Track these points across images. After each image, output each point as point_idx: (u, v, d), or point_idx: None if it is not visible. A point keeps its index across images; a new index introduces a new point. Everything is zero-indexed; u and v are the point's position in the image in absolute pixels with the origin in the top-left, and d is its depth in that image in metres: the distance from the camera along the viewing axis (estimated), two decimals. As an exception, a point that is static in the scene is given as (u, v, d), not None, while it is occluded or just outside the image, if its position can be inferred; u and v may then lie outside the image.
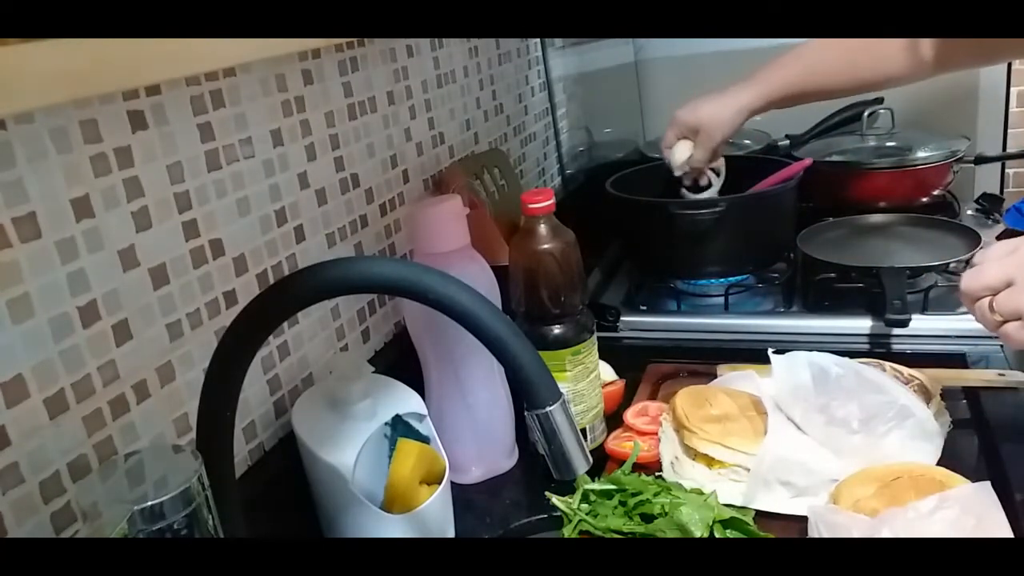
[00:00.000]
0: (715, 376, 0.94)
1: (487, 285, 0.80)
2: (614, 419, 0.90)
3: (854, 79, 1.10)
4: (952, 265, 1.08)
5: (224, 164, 0.71)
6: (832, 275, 1.09)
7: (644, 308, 1.16)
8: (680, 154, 1.17)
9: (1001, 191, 1.46)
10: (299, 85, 0.81)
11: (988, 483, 0.66)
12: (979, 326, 0.96)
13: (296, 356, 0.80)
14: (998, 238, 1.19)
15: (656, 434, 0.85)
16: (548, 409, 0.54)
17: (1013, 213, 1.26)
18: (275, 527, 0.69)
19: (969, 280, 0.67)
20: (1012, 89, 1.49)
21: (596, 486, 0.77)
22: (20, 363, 0.54)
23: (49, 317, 0.55)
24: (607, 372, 0.94)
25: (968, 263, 0.69)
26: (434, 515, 0.71)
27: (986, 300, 0.66)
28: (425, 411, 0.74)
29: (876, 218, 1.23)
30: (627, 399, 0.94)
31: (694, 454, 0.79)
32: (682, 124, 1.16)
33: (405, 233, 0.99)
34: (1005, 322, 0.65)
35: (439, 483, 0.71)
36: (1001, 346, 0.95)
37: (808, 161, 1.17)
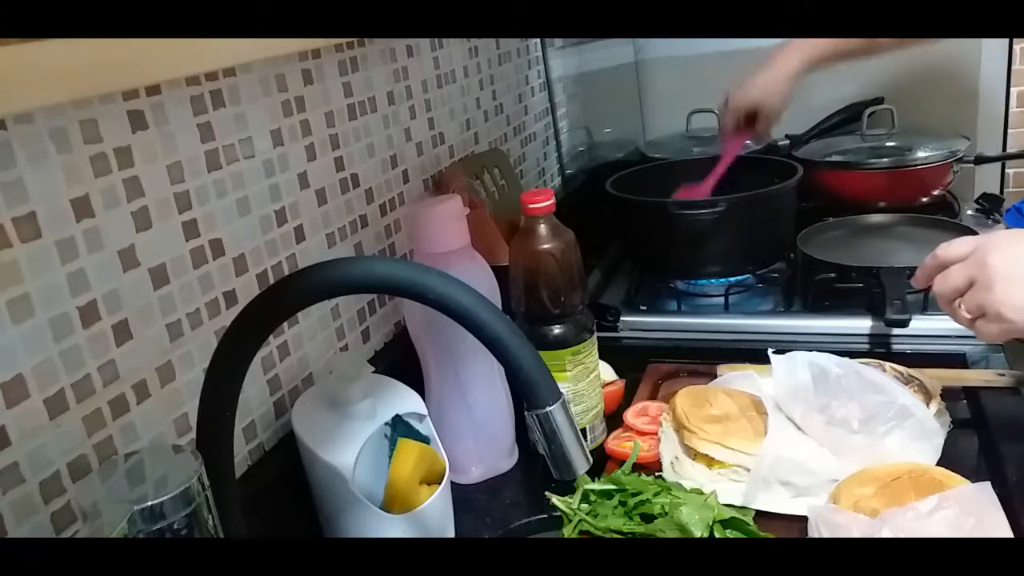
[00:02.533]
0: (715, 376, 0.94)
1: (487, 285, 0.80)
2: (614, 419, 0.90)
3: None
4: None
5: (224, 164, 0.71)
6: (832, 275, 1.09)
7: (644, 308, 1.16)
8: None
9: (1001, 191, 1.46)
10: (299, 85, 0.81)
11: (988, 483, 0.66)
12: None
13: (296, 356, 0.80)
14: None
15: (656, 434, 0.85)
16: (548, 409, 0.54)
17: (1013, 213, 1.26)
18: (275, 527, 0.69)
19: (939, 285, 0.74)
20: (1012, 89, 1.49)
21: (596, 486, 0.77)
22: (20, 363, 0.54)
23: (49, 317, 0.55)
24: (607, 372, 0.94)
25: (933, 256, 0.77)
26: (434, 515, 0.71)
27: (957, 300, 0.72)
28: (425, 411, 0.74)
29: (876, 218, 1.23)
30: (627, 399, 0.94)
31: (694, 454, 0.79)
32: (739, 109, 1.16)
33: (405, 233, 0.99)
34: (976, 319, 0.71)
35: (439, 483, 0.71)
36: (1002, 346, 0.95)
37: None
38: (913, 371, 0.85)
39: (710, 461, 0.78)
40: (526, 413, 0.55)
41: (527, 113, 1.44)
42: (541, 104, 1.51)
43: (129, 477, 0.50)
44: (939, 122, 1.43)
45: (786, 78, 1.13)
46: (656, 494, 0.74)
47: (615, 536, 0.72)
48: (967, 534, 0.63)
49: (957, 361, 0.94)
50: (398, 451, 0.71)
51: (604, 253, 1.31)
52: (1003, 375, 0.87)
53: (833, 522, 0.66)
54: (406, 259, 0.98)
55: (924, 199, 1.33)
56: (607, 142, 1.65)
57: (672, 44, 1.65)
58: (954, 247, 0.74)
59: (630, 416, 0.89)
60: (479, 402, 0.84)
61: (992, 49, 1.45)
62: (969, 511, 0.64)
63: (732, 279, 1.16)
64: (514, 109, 1.38)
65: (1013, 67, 1.48)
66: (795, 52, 1.13)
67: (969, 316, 0.71)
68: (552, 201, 0.80)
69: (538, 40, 1.48)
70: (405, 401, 0.75)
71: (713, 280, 1.17)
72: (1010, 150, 1.50)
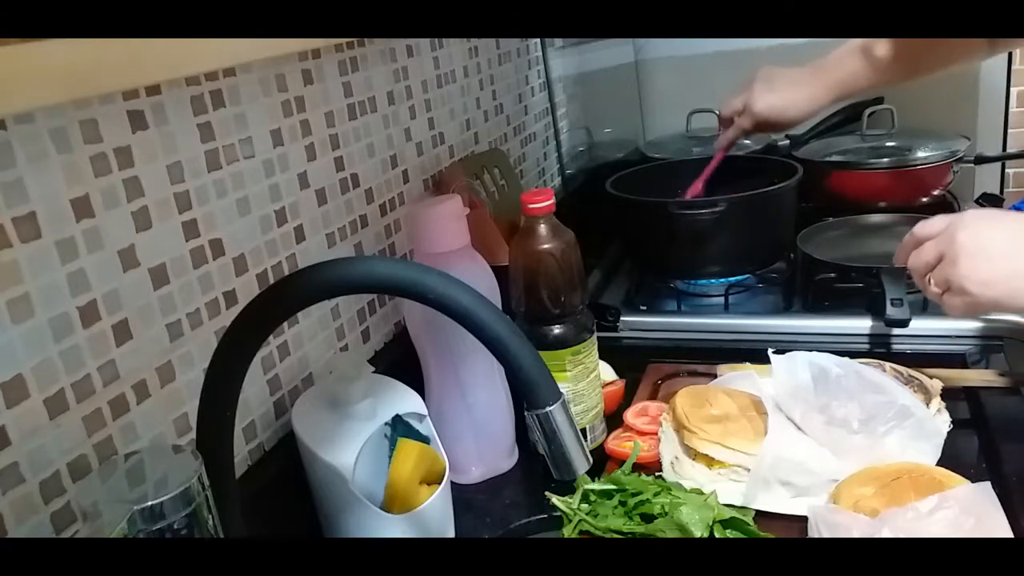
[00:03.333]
0: (715, 376, 0.94)
1: (487, 285, 0.80)
2: (614, 419, 0.90)
3: (930, 68, 1.09)
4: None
5: (224, 164, 0.71)
6: (832, 275, 1.09)
7: (644, 308, 1.16)
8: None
9: (1001, 191, 1.46)
10: (299, 85, 0.81)
11: (988, 483, 0.67)
12: (979, 326, 0.97)
13: (296, 356, 0.80)
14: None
15: (656, 434, 0.85)
16: (548, 409, 0.54)
17: (1013, 213, 1.26)
18: (275, 527, 0.69)
19: (913, 260, 0.78)
20: (1012, 89, 1.50)
21: (596, 486, 0.77)
22: (20, 363, 0.54)
23: (49, 317, 0.55)
24: (607, 372, 0.94)
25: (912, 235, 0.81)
26: (434, 515, 0.71)
27: (928, 275, 0.75)
28: (425, 411, 0.74)
29: (876, 218, 1.23)
30: (627, 399, 0.94)
31: (694, 454, 0.79)
32: (757, 116, 1.13)
33: (405, 233, 0.99)
34: (943, 293, 0.74)
35: (439, 483, 0.71)
36: (1002, 346, 0.95)
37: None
38: (913, 371, 0.85)
39: (710, 461, 0.78)
40: (526, 413, 0.55)
41: (527, 113, 1.44)
42: (541, 104, 1.51)
43: (129, 477, 0.50)
44: (939, 122, 1.43)
45: (816, 107, 1.10)
46: (656, 494, 0.74)
47: (615, 536, 0.72)
48: (967, 534, 0.63)
49: (957, 361, 0.94)
50: (398, 451, 0.72)
51: (604, 253, 1.31)
52: (1003, 375, 0.87)
53: (833, 522, 0.66)
54: (406, 259, 0.98)
55: (924, 199, 1.33)
56: (607, 142, 1.65)
57: (672, 44, 1.65)
58: (929, 224, 0.77)
59: (630, 416, 0.89)
60: (479, 402, 0.84)
61: (992, 49, 1.45)
62: (969, 511, 0.64)
63: (732, 279, 1.16)
64: (514, 109, 1.38)
65: (1013, 67, 1.48)
66: (825, 82, 1.09)
67: (938, 290, 0.74)
68: (552, 201, 0.80)
69: (538, 40, 1.48)
70: (405, 401, 0.75)
71: (713, 280, 1.17)
72: (1010, 150, 1.50)
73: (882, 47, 1.05)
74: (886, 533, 0.62)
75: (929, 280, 0.75)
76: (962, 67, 1.11)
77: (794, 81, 1.11)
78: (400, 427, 0.74)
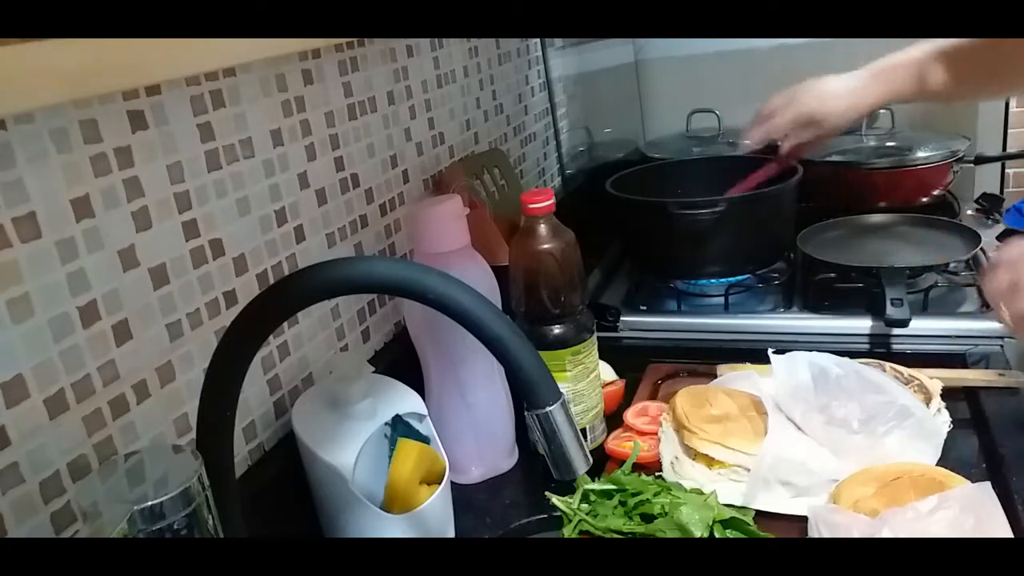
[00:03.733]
0: (715, 376, 0.94)
1: (487, 285, 0.80)
2: (614, 419, 0.90)
3: (993, 94, 1.07)
4: (952, 265, 1.09)
5: (224, 164, 0.71)
6: (832, 275, 1.09)
7: (644, 308, 1.16)
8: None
9: (1001, 191, 1.46)
10: (299, 85, 0.81)
11: (988, 483, 0.67)
12: (978, 326, 0.97)
13: (296, 356, 0.80)
14: (998, 238, 1.20)
15: (656, 434, 0.85)
16: (548, 409, 0.54)
17: (1013, 213, 1.26)
18: (275, 527, 0.69)
19: (988, 285, 0.74)
20: (1012, 89, 1.49)
21: (596, 486, 0.77)
22: (20, 363, 0.54)
23: (49, 317, 0.55)
24: (607, 372, 0.94)
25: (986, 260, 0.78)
26: (434, 515, 0.71)
27: (1001, 303, 0.71)
28: (425, 411, 0.74)
29: (876, 218, 1.23)
30: (627, 399, 0.94)
31: (694, 454, 0.79)
32: (803, 111, 1.09)
33: (405, 233, 0.99)
34: (1016, 322, 0.70)
35: (439, 483, 0.71)
36: (1002, 346, 0.95)
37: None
38: (913, 371, 0.85)
39: (710, 461, 0.78)
40: (526, 413, 0.55)
41: (527, 113, 1.44)
42: (541, 104, 1.51)
43: (129, 477, 0.50)
44: (939, 122, 1.43)
45: (858, 111, 1.07)
46: (656, 494, 0.74)
47: (615, 536, 0.72)
48: (967, 534, 0.63)
49: (957, 361, 0.94)
50: (398, 451, 0.72)
51: (604, 253, 1.31)
52: (1003, 375, 0.87)
53: (833, 522, 0.66)
54: (406, 259, 0.98)
55: (924, 199, 1.33)
56: (607, 142, 1.65)
57: (672, 44, 1.65)
58: (1004, 250, 0.74)
59: (630, 416, 0.89)
60: (479, 402, 0.84)
61: (992, 49, 1.45)
62: (969, 511, 0.64)
63: (732, 279, 1.16)
64: (514, 109, 1.38)
65: (1013, 67, 1.47)
66: (877, 87, 1.05)
67: (1010, 321, 0.71)
68: (552, 201, 0.80)
69: (538, 40, 1.48)
70: (405, 401, 0.75)
71: (713, 280, 1.17)
72: (1010, 150, 1.50)
73: (943, 70, 1.00)
74: (886, 533, 0.62)
75: (1002, 307, 0.72)
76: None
77: (838, 94, 1.07)
78: (400, 427, 0.74)
